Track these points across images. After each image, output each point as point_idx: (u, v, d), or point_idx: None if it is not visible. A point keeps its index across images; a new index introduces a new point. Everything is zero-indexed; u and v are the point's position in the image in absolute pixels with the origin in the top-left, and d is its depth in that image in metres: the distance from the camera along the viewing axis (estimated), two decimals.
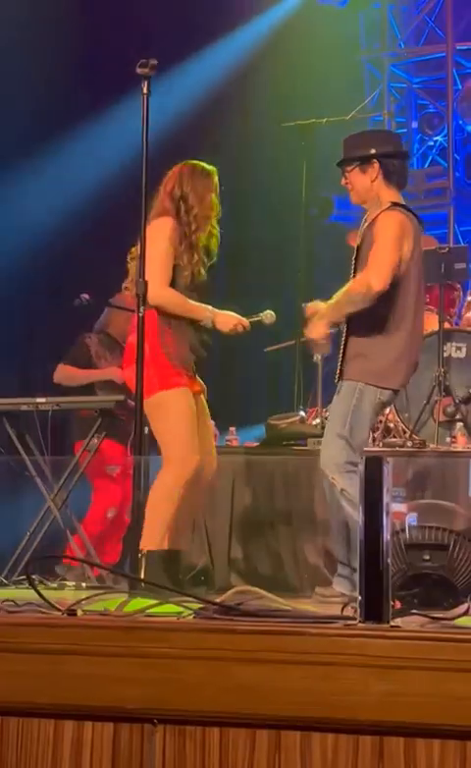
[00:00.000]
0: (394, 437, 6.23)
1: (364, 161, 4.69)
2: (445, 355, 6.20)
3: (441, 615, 2.76)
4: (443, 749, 2.25)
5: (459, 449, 5.96)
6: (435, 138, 10.24)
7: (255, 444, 6.29)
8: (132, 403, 4.53)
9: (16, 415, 5.61)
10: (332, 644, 2.30)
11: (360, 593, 2.46)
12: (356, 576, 2.50)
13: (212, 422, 6.18)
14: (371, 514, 2.47)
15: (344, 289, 4.60)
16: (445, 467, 5.59)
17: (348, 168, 4.74)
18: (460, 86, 10.10)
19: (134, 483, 4.16)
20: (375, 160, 4.68)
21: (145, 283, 4.28)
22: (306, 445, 5.81)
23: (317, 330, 4.66)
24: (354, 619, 2.48)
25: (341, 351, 4.62)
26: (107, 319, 6.60)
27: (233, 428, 6.47)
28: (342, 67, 9.86)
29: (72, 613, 2.63)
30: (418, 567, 3.58)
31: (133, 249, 4.67)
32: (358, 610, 2.46)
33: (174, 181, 4.76)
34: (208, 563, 5.68)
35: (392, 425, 6.40)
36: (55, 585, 5.08)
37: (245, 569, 5.65)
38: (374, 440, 6.18)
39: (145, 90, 4.27)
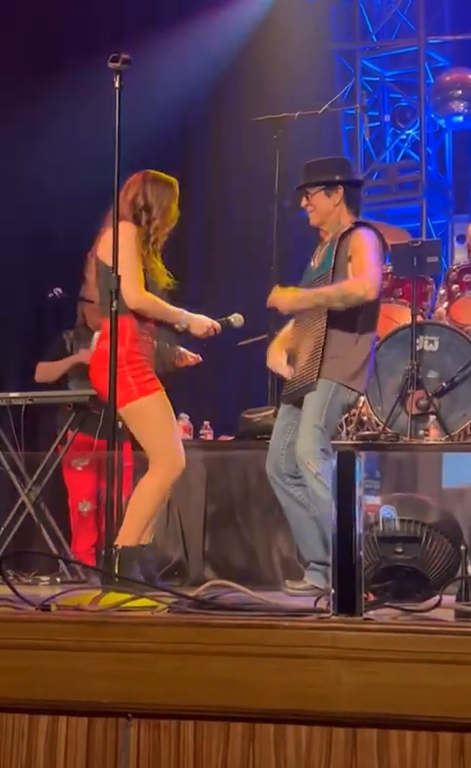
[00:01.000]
0: (368, 430, 6.26)
1: (330, 186, 4.85)
2: (418, 348, 6.23)
3: (413, 607, 2.78)
4: (415, 740, 2.27)
5: (432, 442, 5.99)
6: (407, 132, 10.25)
7: (229, 438, 6.30)
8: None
9: None
10: (305, 637, 2.31)
11: (333, 586, 2.47)
12: (329, 569, 2.51)
13: (185, 416, 6.20)
14: (344, 507, 2.49)
15: (337, 285, 4.68)
16: (418, 460, 5.62)
17: (312, 191, 4.90)
18: (432, 80, 10.12)
19: (108, 481, 4.14)
20: (340, 186, 4.86)
21: (118, 278, 4.25)
22: None
23: (287, 300, 4.75)
24: (327, 612, 2.49)
25: (320, 352, 4.66)
26: (81, 313, 6.59)
27: (206, 422, 6.48)
28: (314, 60, 9.83)
29: (45, 608, 2.63)
30: (391, 559, 3.59)
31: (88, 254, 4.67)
32: (331, 603, 2.48)
33: (136, 189, 4.66)
34: (183, 556, 5.69)
35: (365, 418, 6.42)
36: (29, 581, 5.07)
37: (220, 562, 5.66)
38: (347, 433, 6.20)
39: (117, 85, 4.23)
